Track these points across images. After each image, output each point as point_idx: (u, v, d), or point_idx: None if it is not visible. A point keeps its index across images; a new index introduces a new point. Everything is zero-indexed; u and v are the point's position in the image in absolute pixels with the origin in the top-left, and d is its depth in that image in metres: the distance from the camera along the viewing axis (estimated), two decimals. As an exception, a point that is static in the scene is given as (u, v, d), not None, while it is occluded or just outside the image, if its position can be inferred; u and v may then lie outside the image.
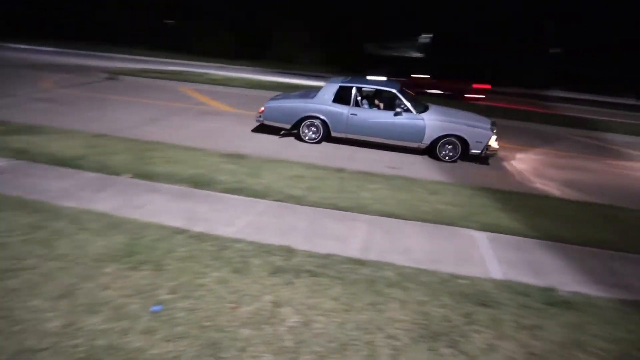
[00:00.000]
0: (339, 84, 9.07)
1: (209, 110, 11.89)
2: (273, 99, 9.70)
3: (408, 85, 17.98)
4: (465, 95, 18.26)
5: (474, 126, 8.71)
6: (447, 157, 8.72)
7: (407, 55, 41.70)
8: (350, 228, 5.08)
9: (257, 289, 3.64)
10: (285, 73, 20.96)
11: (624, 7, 29.26)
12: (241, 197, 5.71)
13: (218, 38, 34.08)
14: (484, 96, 18.58)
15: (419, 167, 8.21)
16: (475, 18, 32.25)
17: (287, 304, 3.49)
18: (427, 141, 8.75)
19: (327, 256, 4.29)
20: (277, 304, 3.47)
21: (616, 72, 29.48)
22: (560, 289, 4.25)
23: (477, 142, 8.58)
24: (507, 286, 4.15)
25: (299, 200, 5.75)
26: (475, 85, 18.66)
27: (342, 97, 9.02)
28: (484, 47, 31.70)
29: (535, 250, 5.07)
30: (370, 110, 9.04)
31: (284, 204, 5.62)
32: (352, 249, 4.54)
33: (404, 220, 5.43)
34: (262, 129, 9.85)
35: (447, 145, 8.70)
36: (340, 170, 7.27)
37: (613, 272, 4.78)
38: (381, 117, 8.84)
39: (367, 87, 9.29)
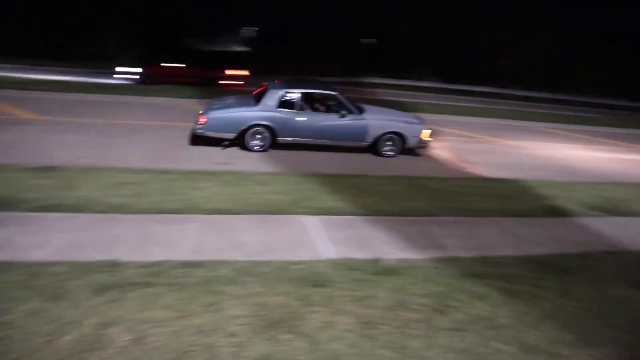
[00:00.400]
0: (284, 90, 8.98)
1: (8, 120, 10.38)
2: (211, 109, 9.03)
3: (157, 74, 18.09)
4: (220, 82, 18.70)
5: (410, 122, 9.52)
6: (388, 153, 9.33)
7: (230, 49, 41.52)
8: (181, 231, 4.88)
9: (79, 314, 3.29)
10: (100, 73, 19.25)
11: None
12: (55, 214, 5.10)
13: (17, 35, 29.84)
14: (242, 82, 19.17)
15: (249, 161, 8.24)
16: (296, 12, 33.46)
17: (115, 323, 3.22)
18: (370, 140, 9.25)
19: (159, 263, 4.07)
20: (103, 326, 3.18)
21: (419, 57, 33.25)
22: (385, 258, 4.65)
23: (413, 136, 9.38)
24: (339, 264, 4.40)
25: (123, 209, 5.34)
26: (228, 72, 19.37)
27: (286, 102, 8.95)
28: (306, 40, 33.02)
29: (362, 226, 5.46)
30: (316, 114, 9.16)
31: (106, 215, 5.17)
32: (185, 252, 4.37)
33: (236, 215, 5.40)
34: (77, 135, 8.91)
35: (387, 142, 9.30)
36: (165, 172, 6.92)
37: (427, 236, 5.38)
38: (327, 120, 9.07)
39: (309, 92, 9.34)
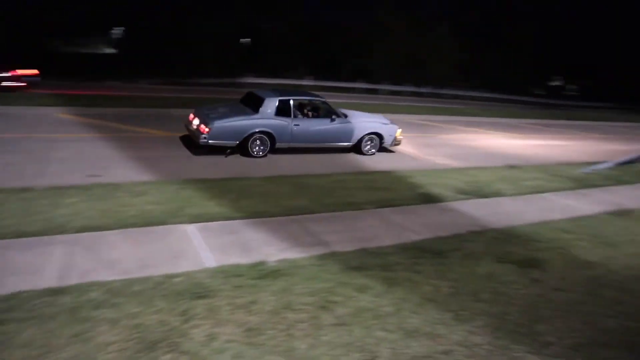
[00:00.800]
0: (278, 98, 9.46)
1: None
2: (211, 118, 8.95)
3: None
4: (3, 84, 15.97)
5: (386, 123, 10.69)
6: (370, 151, 10.43)
7: (98, 51, 38.81)
8: (43, 254, 4.39)
9: None
10: None
11: None
12: None
13: None
14: (25, 84, 16.41)
15: (122, 171, 7.68)
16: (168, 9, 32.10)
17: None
18: (354, 141, 10.29)
19: (14, 296, 3.61)
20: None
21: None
22: (268, 260, 4.60)
23: (389, 135, 10.59)
24: (221, 271, 4.27)
25: (-30, 237, 4.68)
26: (15, 72, 16.43)
27: (281, 110, 9.43)
28: (181, 41, 31.76)
29: (244, 230, 5.36)
30: (310, 119, 9.86)
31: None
32: (48, 279, 3.93)
33: (109, 231, 5.01)
34: None
35: (368, 142, 10.38)
36: (24, 189, 6.18)
37: (309, 233, 5.43)
38: (320, 124, 9.87)
39: (300, 99, 10.13)
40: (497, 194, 8.07)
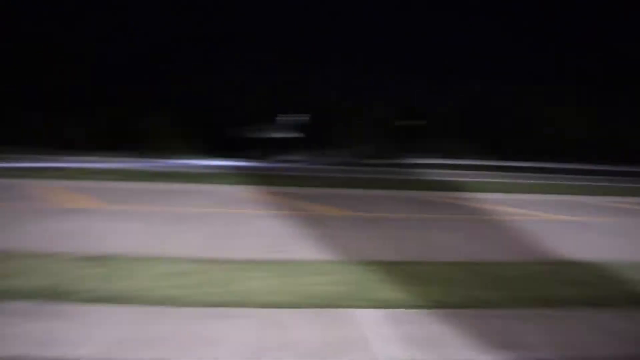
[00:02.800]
0: None
1: (75, 210, 10.73)
2: None
3: None
4: None
5: None
6: None
7: (287, 135, 43.15)
8: (236, 326, 4.51)
9: None
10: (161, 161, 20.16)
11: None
12: (103, 307, 4.90)
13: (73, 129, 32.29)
14: None
15: (304, 249, 7.89)
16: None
17: None
18: None
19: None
20: None
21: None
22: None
23: None
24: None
25: (173, 302, 5.07)
26: None
27: None
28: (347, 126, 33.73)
29: (431, 322, 4.89)
30: None
31: (155, 308, 4.91)
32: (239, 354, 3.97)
33: (290, 309, 4.99)
34: (140, 223, 8.99)
35: None
36: (219, 261, 6.66)
37: (501, 332, 4.73)
38: None
39: None
40: None
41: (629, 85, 37.27)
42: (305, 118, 42.09)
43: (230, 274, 6.09)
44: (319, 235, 8.46)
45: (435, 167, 26.98)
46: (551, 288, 6.29)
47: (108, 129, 30.62)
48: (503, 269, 7.03)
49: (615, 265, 7.49)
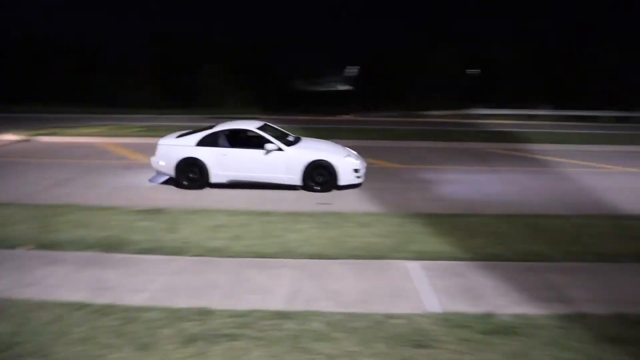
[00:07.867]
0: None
1: (129, 165, 11.23)
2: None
3: None
4: None
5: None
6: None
7: (334, 89, 42.57)
8: (275, 276, 4.68)
9: (164, 367, 3.16)
10: (213, 118, 20.47)
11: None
12: (156, 257, 5.19)
13: (142, 88, 33.19)
14: None
15: (350, 201, 7.95)
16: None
17: (198, 380, 3.03)
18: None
19: (248, 313, 3.86)
20: (186, 383, 3.00)
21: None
22: (500, 312, 4.03)
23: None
24: (444, 319, 3.88)
25: (220, 253, 5.30)
26: None
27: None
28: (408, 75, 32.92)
29: (471, 273, 4.86)
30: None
31: (202, 258, 5.16)
32: (277, 301, 4.14)
33: (333, 260, 5.10)
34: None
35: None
36: (265, 213, 6.86)
37: (550, 286, 4.64)
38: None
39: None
40: None
41: None
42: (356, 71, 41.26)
43: (271, 226, 6.25)
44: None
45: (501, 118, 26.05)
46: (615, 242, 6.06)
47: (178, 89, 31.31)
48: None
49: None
